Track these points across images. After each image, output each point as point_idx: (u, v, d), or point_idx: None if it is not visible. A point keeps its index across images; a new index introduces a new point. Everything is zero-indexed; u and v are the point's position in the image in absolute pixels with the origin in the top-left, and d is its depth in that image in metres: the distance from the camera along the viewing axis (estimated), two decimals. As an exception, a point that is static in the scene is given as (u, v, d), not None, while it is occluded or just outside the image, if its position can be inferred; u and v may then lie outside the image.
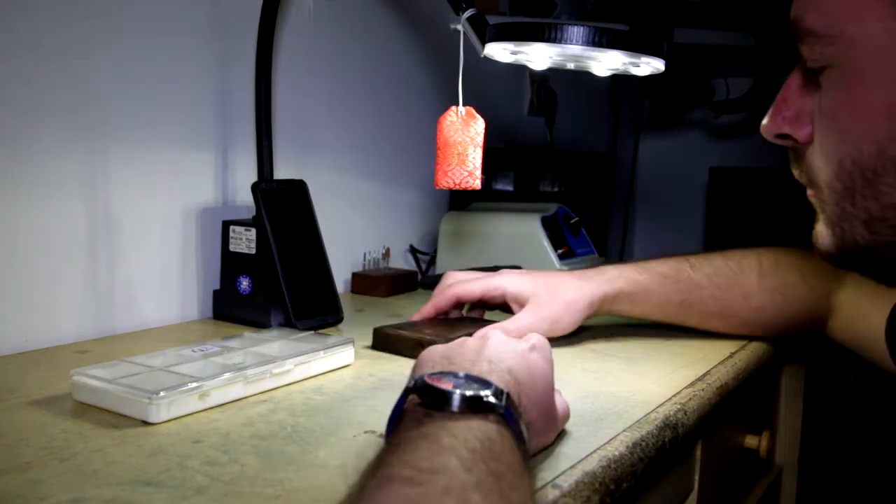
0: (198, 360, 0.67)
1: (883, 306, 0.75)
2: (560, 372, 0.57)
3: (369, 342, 0.82)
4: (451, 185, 0.80)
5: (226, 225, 0.92)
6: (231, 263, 0.92)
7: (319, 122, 1.13)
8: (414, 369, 0.52)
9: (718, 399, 0.72)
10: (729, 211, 1.89)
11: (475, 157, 0.80)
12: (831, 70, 0.50)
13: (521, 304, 0.82)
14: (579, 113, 1.93)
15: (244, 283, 0.91)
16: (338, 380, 0.71)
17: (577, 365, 0.77)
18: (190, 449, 0.53)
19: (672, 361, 0.79)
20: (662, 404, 0.65)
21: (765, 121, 0.56)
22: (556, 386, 0.56)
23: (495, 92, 1.58)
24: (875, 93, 0.48)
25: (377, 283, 1.12)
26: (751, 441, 0.96)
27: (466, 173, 0.80)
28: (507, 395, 0.45)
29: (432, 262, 1.28)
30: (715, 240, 1.93)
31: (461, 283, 0.86)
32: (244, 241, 0.90)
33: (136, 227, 0.88)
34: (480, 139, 0.81)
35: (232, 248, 0.91)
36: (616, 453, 0.55)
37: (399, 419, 0.45)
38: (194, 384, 0.60)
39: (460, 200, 1.33)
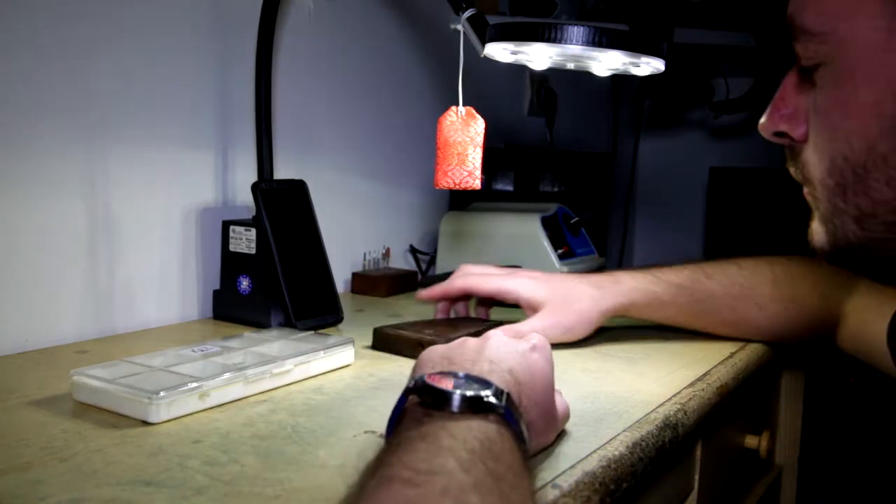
0: (198, 360, 0.67)
1: (888, 313, 0.75)
2: (560, 372, 0.57)
3: (369, 342, 0.82)
4: (451, 185, 0.80)
5: (226, 225, 0.92)
6: (231, 263, 0.92)
7: (319, 122, 1.13)
8: (414, 369, 0.52)
9: (718, 399, 0.72)
10: (729, 211, 1.89)
11: (475, 157, 0.80)
12: (825, 68, 0.51)
13: (535, 310, 0.82)
14: (579, 113, 1.93)
15: (244, 283, 0.91)
16: (338, 380, 0.71)
17: (577, 365, 0.77)
18: (190, 449, 0.53)
19: (672, 361, 0.79)
20: (662, 404, 0.65)
21: (763, 119, 0.56)
22: (557, 386, 0.56)
23: (495, 92, 1.58)
24: (865, 90, 0.49)
25: (377, 283, 1.12)
26: (751, 441, 0.96)
27: (466, 173, 0.80)
28: (508, 395, 0.45)
29: (432, 262, 1.28)
30: (715, 240, 1.93)
31: (475, 276, 0.86)
32: (244, 241, 0.90)
33: (136, 227, 0.88)
34: (480, 139, 0.81)
35: (232, 248, 0.91)
36: (616, 453, 0.55)
37: (399, 419, 0.45)
38: (194, 384, 0.60)
39: (460, 200, 1.33)
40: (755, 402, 1.01)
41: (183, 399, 0.59)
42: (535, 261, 1.14)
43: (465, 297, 0.89)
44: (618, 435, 0.58)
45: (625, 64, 0.77)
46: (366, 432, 0.57)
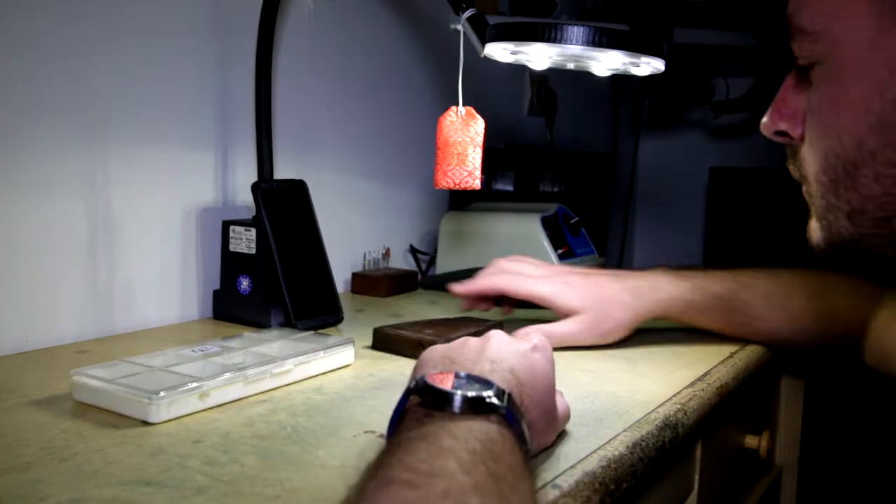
0: (198, 360, 0.67)
1: None
2: (560, 372, 0.57)
3: (369, 342, 0.82)
4: (451, 185, 0.80)
5: (226, 225, 0.92)
6: (231, 263, 0.92)
7: (319, 122, 1.13)
8: (415, 369, 0.52)
9: (718, 399, 0.72)
10: (729, 211, 1.89)
11: (475, 157, 0.80)
12: (819, 67, 0.52)
13: (569, 316, 0.82)
14: (579, 113, 1.93)
15: (244, 283, 0.91)
16: (338, 380, 0.71)
17: (577, 365, 0.77)
18: (190, 449, 0.53)
19: (672, 361, 0.79)
20: (662, 404, 0.65)
21: (764, 119, 0.57)
22: (557, 386, 0.56)
23: (495, 92, 1.58)
24: (854, 88, 0.50)
25: (377, 283, 1.12)
26: (751, 441, 0.96)
27: (466, 173, 0.80)
28: (509, 395, 0.45)
29: (432, 262, 1.28)
30: (715, 240, 1.93)
31: (511, 277, 0.84)
32: (244, 241, 0.90)
33: (136, 227, 0.88)
34: (480, 139, 0.81)
35: (232, 248, 0.91)
36: (616, 453, 0.55)
37: (400, 419, 0.45)
38: (194, 384, 0.60)
39: (460, 200, 1.33)
40: (755, 402, 1.01)
41: (183, 399, 0.59)
42: (535, 261, 1.14)
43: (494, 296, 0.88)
44: (618, 435, 0.58)
45: (625, 64, 0.77)
46: (366, 432, 0.57)
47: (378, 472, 0.38)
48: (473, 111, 0.80)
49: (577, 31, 0.71)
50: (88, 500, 0.46)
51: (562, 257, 1.17)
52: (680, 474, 0.76)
